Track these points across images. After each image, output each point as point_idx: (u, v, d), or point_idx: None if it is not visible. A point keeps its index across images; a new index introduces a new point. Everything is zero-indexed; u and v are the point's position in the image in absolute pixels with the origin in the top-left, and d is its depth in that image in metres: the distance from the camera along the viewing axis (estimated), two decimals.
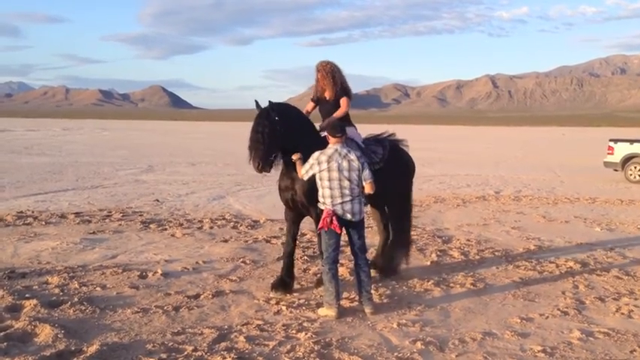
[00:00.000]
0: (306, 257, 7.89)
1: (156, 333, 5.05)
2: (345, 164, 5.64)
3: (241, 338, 4.95)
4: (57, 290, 6.15)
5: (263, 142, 5.85)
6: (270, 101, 6.05)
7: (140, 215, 10.93)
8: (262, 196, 14.12)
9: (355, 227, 5.78)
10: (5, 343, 4.66)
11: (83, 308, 5.60)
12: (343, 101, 6.69)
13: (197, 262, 7.51)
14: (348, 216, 5.68)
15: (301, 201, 6.22)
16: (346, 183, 5.63)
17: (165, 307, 5.69)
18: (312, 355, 4.63)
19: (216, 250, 8.23)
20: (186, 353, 4.61)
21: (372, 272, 6.80)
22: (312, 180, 5.80)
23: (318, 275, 6.67)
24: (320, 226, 5.72)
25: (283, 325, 5.28)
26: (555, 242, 9.34)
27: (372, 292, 6.09)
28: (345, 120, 6.73)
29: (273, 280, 6.46)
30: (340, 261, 6.66)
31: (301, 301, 6.01)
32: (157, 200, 12.91)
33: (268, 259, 7.82)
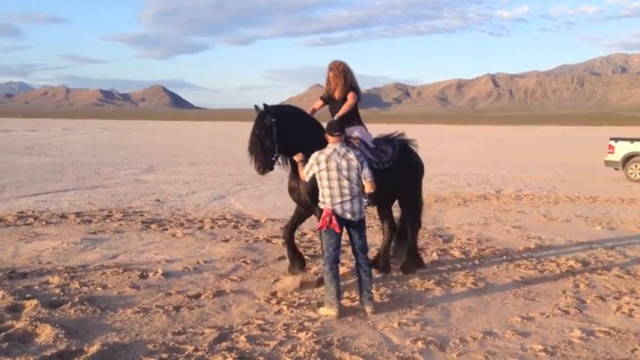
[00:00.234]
0: (306, 257, 7.87)
1: (157, 333, 5.05)
2: (343, 163, 5.63)
3: (242, 338, 4.95)
4: (58, 290, 6.15)
5: (261, 145, 5.96)
6: (265, 104, 6.08)
7: (141, 215, 10.93)
8: (263, 196, 14.13)
9: (356, 227, 5.77)
10: (6, 344, 4.66)
11: (84, 308, 5.61)
12: (350, 96, 6.69)
13: (198, 262, 7.52)
14: (348, 215, 5.67)
15: (305, 200, 6.34)
16: (345, 182, 5.63)
17: (166, 307, 5.70)
18: (312, 355, 4.63)
19: (217, 250, 8.24)
20: (187, 353, 4.61)
21: (374, 272, 6.82)
22: (314, 180, 5.82)
23: (319, 275, 6.67)
24: (319, 225, 5.73)
25: (284, 325, 5.28)
26: (556, 241, 9.33)
27: (373, 291, 6.09)
28: (355, 119, 6.79)
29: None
30: (341, 260, 6.68)
31: (302, 301, 6.01)
32: (158, 200, 12.92)
33: (269, 258, 7.82)
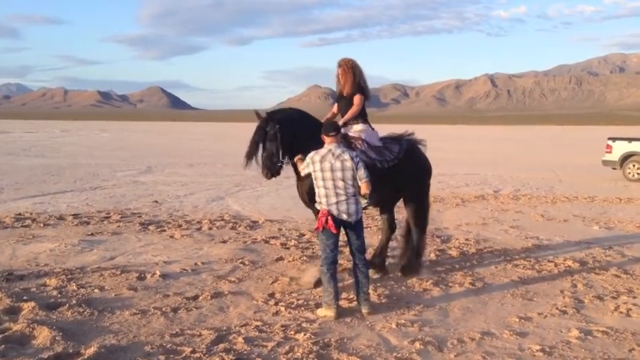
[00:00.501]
0: (305, 257, 7.88)
1: (154, 335, 5.04)
2: (337, 164, 5.62)
3: (240, 339, 4.94)
4: (55, 292, 6.14)
5: (266, 152, 6.07)
6: (267, 112, 6.18)
7: (139, 216, 10.92)
8: (261, 197, 14.12)
9: (352, 228, 5.76)
10: (3, 346, 4.64)
11: (81, 310, 5.59)
12: (356, 99, 6.72)
13: (196, 264, 7.51)
14: (344, 216, 5.66)
15: (303, 200, 6.46)
16: (340, 183, 5.62)
17: (164, 309, 5.68)
18: (310, 356, 4.63)
19: (214, 251, 8.23)
20: (184, 355, 4.60)
21: (371, 272, 6.83)
22: (311, 180, 5.84)
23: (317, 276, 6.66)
24: (316, 226, 5.73)
25: (282, 326, 5.28)
26: (554, 241, 9.34)
27: (371, 292, 6.10)
28: (360, 118, 6.80)
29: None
30: (339, 261, 6.68)
31: (300, 302, 6.00)
32: (156, 201, 12.91)
33: (267, 259, 7.81)
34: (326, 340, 4.96)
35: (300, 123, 6.35)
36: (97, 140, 46.17)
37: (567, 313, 5.79)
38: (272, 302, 5.98)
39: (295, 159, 6.10)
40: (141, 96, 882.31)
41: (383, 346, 4.88)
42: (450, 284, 6.77)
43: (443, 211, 12.30)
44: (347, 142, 6.51)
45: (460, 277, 7.08)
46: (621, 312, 5.84)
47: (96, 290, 6.27)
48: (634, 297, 6.34)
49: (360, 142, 6.64)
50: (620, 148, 19.56)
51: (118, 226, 9.93)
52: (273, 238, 9.19)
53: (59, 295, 6.04)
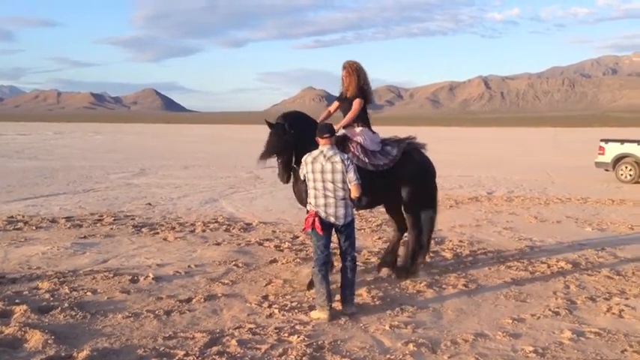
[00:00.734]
0: (298, 260, 7.88)
1: (147, 338, 5.02)
2: (328, 166, 5.63)
3: (233, 342, 4.93)
4: (47, 295, 6.11)
5: (282, 158, 6.30)
6: (282, 117, 6.39)
7: (132, 219, 10.88)
8: (255, 199, 14.10)
9: (342, 230, 5.76)
10: None
11: (74, 313, 5.57)
12: (355, 103, 6.82)
13: (189, 266, 7.49)
14: (332, 219, 5.66)
15: (300, 201, 6.63)
16: (330, 185, 5.62)
17: (157, 312, 5.67)
18: (304, 359, 4.63)
19: (208, 254, 8.21)
20: (177, 358, 4.59)
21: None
22: (300, 181, 5.90)
23: (310, 277, 6.65)
24: (303, 227, 5.76)
25: (275, 329, 5.27)
26: (547, 242, 9.37)
27: (365, 293, 6.13)
28: (360, 121, 6.87)
29: None
30: (334, 263, 6.69)
31: (294, 304, 5.99)
32: (149, 204, 12.87)
33: (261, 262, 7.80)
34: (319, 343, 4.95)
35: (306, 127, 6.42)
36: (91, 142, 46.01)
37: (560, 314, 5.81)
38: (265, 304, 5.97)
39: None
40: (135, 98, 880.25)
41: (376, 348, 4.88)
42: (444, 286, 6.78)
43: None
44: (342, 144, 6.56)
45: (454, 278, 7.09)
46: (614, 313, 5.86)
47: (88, 293, 6.24)
48: (626, 298, 6.37)
49: (355, 144, 6.67)
50: (612, 150, 19.66)
51: (111, 229, 9.89)
52: (267, 240, 9.18)
53: (51, 299, 6.02)
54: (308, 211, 5.78)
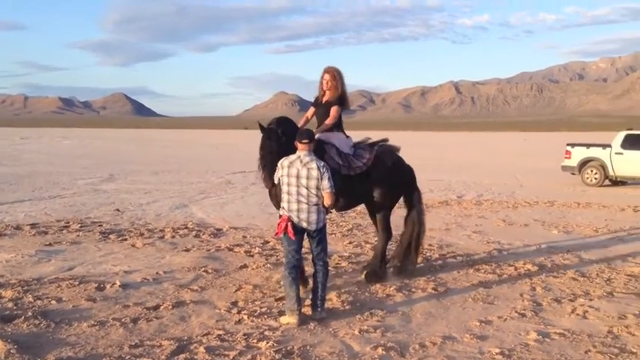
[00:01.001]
0: (269, 265, 7.84)
1: (112, 346, 4.93)
2: (304, 172, 5.65)
3: (201, 349, 4.88)
4: (10, 304, 5.95)
5: (271, 162, 6.13)
6: (271, 126, 6.30)
7: (99, 225, 10.70)
8: (226, 204, 14.01)
9: (314, 235, 5.78)
10: None
11: (37, 322, 5.45)
12: (334, 110, 6.88)
13: (157, 273, 7.39)
14: (304, 224, 5.68)
15: (275, 205, 6.57)
16: (303, 190, 5.64)
17: (123, 320, 5.57)
18: None
19: (177, 260, 8.12)
20: None
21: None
22: (278, 185, 5.90)
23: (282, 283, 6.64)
24: (276, 232, 5.76)
25: (244, 335, 5.23)
26: (514, 245, 9.51)
27: (334, 298, 6.12)
28: (336, 128, 6.94)
29: None
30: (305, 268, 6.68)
31: (263, 310, 5.96)
32: (118, 210, 12.68)
33: (231, 267, 7.74)
34: (288, 348, 4.93)
35: (296, 132, 6.43)
36: (58, 148, 45.18)
37: (526, 316, 5.90)
38: (235, 310, 5.93)
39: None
40: (104, 102, 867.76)
41: (345, 353, 4.88)
42: (413, 289, 6.82)
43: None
44: (318, 147, 6.59)
45: (423, 282, 7.15)
46: (578, 314, 5.97)
47: (53, 302, 6.11)
48: (590, 299, 6.50)
49: (330, 146, 6.74)
50: (578, 154, 20.08)
51: (78, 236, 9.71)
52: (238, 245, 9.12)
53: (15, 307, 5.87)
54: (280, 216, 5.78)
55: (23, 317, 5.54)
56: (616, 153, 19.06)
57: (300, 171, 5.65)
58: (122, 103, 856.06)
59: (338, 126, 7.01)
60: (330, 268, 6.76)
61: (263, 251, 8.73)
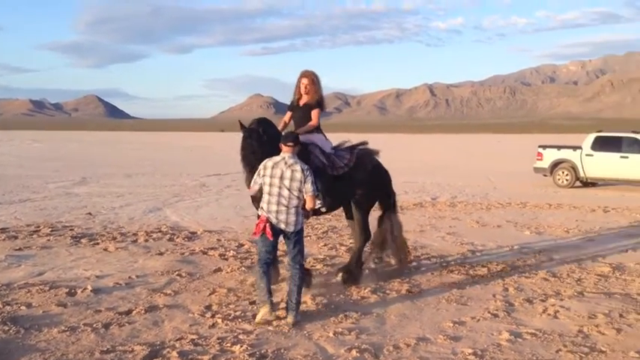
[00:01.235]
0: (243, 268, 7.80)
1: (84, 352, 4.86)
2: (287, 173, 5.69)
3: (174, 354, 4.84)
4: None
5: (255, 161, 6.09)
6: (257, 123, 6.28)
7: (71, 230, 10.52)
8: (200, 207, 13.90)
9: (291, 237, 5.82)
10: None
11: (6, 328, 5.34)
12: (315, 113, 6.96)
13: (130, 277, 7.30)
14: (282, 226, 5.72)
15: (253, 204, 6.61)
16: (285, 192, 5.68)
17: (95, 325, 5.49)
18: None
19: (150, 264, 8.03)
20: None
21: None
22: (260, 185, 5.88)
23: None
24: (254, 232, 5.82)
25: (218, 339, 5.20)
26: (488, 247, 9.62)
27: (309, 300, 6.12)
28: (315, 130, 7.01)
29: None
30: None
31: (237, 313, 5.92)
32: (90, 214, 12.48)
33: (204, 271, 7.68)
34: (263, 352, 4.92)
35: (276, 133, 6.43)
36: (29, 150, 44.35)
37: (499, 316, 5.97)
38: (209, 314, 5.88)
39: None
40: (76, 104, 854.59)
41: (320, 355, 4.88)
42: (388, 291, 6.85)
43: None
44: (302, 146, 6.59)
45: (397, 284, 7.19)
46: (549, 314, 6.06)
47: (23, 307, 6.00)
48: (561, 299, 6.60)
49: (313, 146, 6.79)
50: (550, 156, 20.39)
51: (48, 240, 9.54)
52: (212, 249, 9.06)
53: None
54: (259, 217, 5.79)
55: None
56: (586, 155, 19.41)
57: (284, 172, 5.69)
58: (95, 105, 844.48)
59: (317, 128, 7.09)
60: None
61: (237, 254, 8.68)
